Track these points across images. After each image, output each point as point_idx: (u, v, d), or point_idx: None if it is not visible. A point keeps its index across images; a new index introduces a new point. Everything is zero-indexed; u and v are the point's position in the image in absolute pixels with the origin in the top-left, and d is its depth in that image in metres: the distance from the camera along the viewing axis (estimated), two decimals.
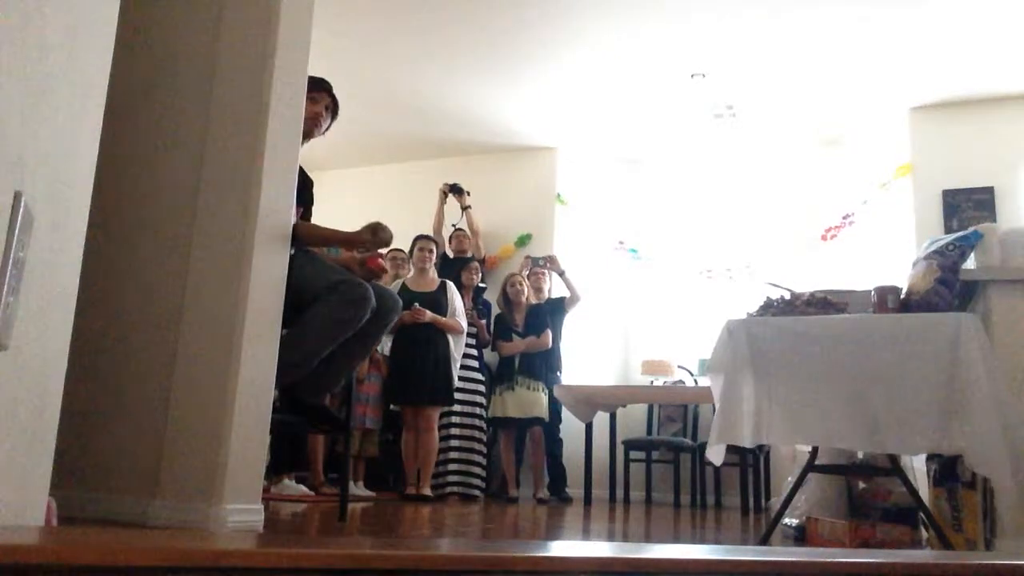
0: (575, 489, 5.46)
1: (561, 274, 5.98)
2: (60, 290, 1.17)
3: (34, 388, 1.09)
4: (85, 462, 2.40)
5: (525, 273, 5.90)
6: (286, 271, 2.62)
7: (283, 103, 2.61)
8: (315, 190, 3.21)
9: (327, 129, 3.12)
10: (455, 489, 5.18)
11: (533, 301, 5.72)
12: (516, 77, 5.63)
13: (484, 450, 5.41)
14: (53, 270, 1.12)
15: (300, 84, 2.74)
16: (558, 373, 5.73)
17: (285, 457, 4.68)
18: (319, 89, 3.00)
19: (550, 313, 5.76)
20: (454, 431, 5.27)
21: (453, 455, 5.24)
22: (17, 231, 0.91)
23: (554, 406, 5.51)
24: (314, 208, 3.19)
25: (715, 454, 2.79)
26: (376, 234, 2.84)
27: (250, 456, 2.42)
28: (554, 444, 5.59)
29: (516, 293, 5.55)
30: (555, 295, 6.01)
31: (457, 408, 5.21)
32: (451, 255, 6.20)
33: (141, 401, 2.44)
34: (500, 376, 5.47)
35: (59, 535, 0.92)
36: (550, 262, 6.00)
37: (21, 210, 0.92)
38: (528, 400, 5.32)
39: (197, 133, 2.59)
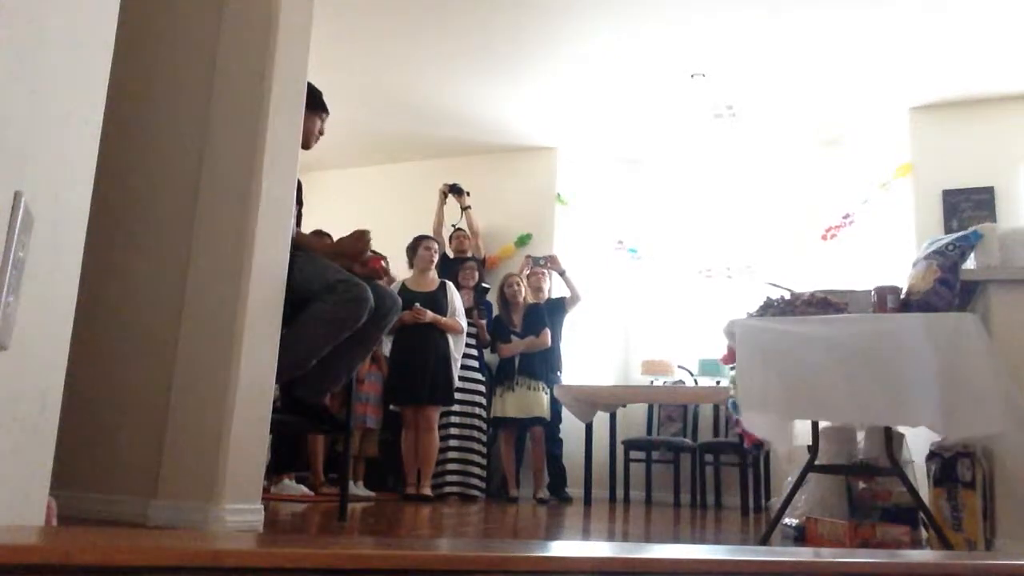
0: (575, 489, 5.47)
1: (562, 273, 5.98)
2: (60, 290, 1.17)
3: (34, 388, 1.09)
4: (85, 462, 2.40)
5: (525, 273, 5.90)
6: (286, 271, 2.63)
7: (283, 103, 2.61)
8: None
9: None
10: (454, 489, 5.18)
11: (532, 301, 5.72)
12: (516, 77, 5.63)
13: (484, 450, 5.40)
14: (53, 270, 1.12)
15: (300, 84, 2.74)
16: (558, 373, 5.73)
17: (285, 457, 4.68)
18: (323, 108, 3.05)
19: (550, 313, 5.75)
20: (453, 431, 5.27)
21: (452, 455, 5.24)
22: (17, 231, 0.91)
23: (554, 406, 5.52)
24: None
25: (765, 429, 2.75)
26: (360, 242, 2.95)
27: (250, 456, 2.42)
28: (554, 444, 5.59)
29: (513, 294, 5.55)
30: (556, 295, 6.01)
31: (456, 408, 5.20)
32: (451, 255, 6.20)
33: (141, 401, 2.44)
34: (500, 376, 5.47)
35: (59, 535, 0.92)
36: (551, 261, 6.00)
37: (21, 210, 0.92)
38: (528, 400, 5.32)
39: (197, 133, 2.59)
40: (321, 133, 3.13)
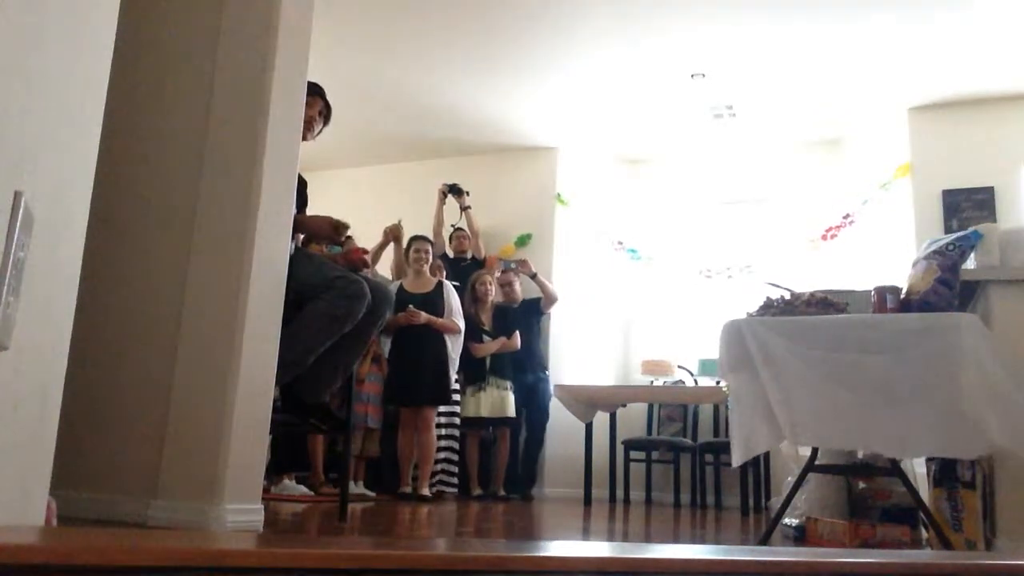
0: (575, 489, 5.47)
1: (533, 277, 5.98)
2: (60, 290, 1.17)
3: (34, 388, 1.09)
4: (85, 462, 2.40)
5: (496, 275, 5.94)
6: (286, 271, 2.63)
7: (283, 103, 2.61)
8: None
9: (319, 133, 3.15)
10: (436, 489, 5.15)
11: (506, 302, 5.79)
12: (516, 77, 5.63)
13: (458, 447, 5.41)
14: (53, 270, 1.12)
15: (300, 85, 2.74)
16: (546, 372, 5.84)
17: (285, 457, 4.68)
18: (313, 94, 3.02)
19: (527, 314, 5.84)
20: (443, 431, 5.26)
21: (441, 455, 5.22)
22: (17, 231, 0.91)
23: (542, 404, 5.59)
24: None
25: (738, 459, 2.74)
26: (337, 230, 2.95)
27: (250, 456, 2.42)
28: (536, 445, 5.68)
29: (485, 292, 5.56)
30: (534, 296, 6.05)
31: (443, 408, 5.20)
32: (451, 255, 6.21)
33: (141, 401, 2.44)
34: (471, 376, 5.46)
35: (59, 535, 0.92)
36: (521, 266, 6.01)
37: (21, 210, 0.92)
38: (499, 400, 5.36)
39: (197, 133, 2.59)
40: (326, 121, 3.13)
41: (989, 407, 2.26)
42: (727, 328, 2.72)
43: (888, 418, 2.38)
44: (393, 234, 5.67)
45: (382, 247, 5.74)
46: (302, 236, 3.09)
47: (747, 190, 6.60)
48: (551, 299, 5.97)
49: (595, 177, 6.84)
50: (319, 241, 3.32)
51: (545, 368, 5.91)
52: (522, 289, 5.99)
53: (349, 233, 3.07)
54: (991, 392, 2.28)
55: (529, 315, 5.89)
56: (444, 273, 5.60)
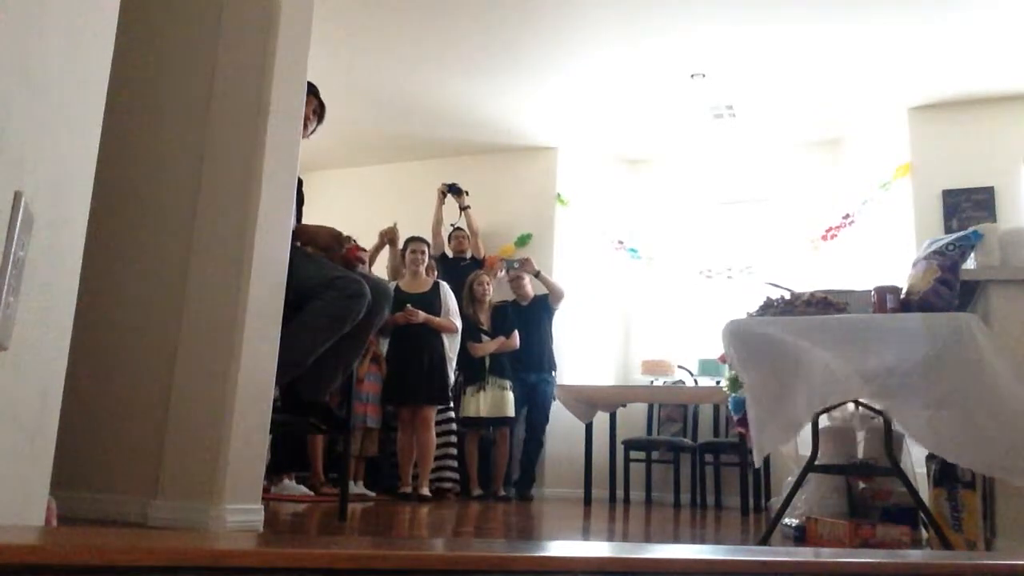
0: (575, 489, 5.47)
1: (536, 275, 5.98)
2: (60, 290, 1.17)
3: (34, 388, 1.09)
4: (85, 462, 2.40)
5: (500, 276, 5.94)
6: (286, 271, 2.63)
7: (283, 103, 2.61)
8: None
9: (312, 132, 3.14)
10: (436, 487, 5.15)
11: (523, 302, 5.78)
12: (517, 77, 5.63)
13: (456, 447, 5.40)
14: (53, 270, 1.12)
15: (300, 84, 2.74)
16: (553, 372, 5.82)
17: (285, 457, 4.68)
18: (307, 93, 3.02)
19: (537, 312, 5.84)
20: (439, 429, 5.25)
21: (439, 453, 5.21)
22: (17, 231, 0.91)
23: (543, 404, 5.60)
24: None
25: (758, 458, 2.75)
26: (339, 240, 2.96)
27: (250, 456, 2.42)
28: (536, 446, 5.67)
29: (483, 292, 5.57)
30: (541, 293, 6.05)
31: (439, 408, 5.19)
32: (451, 255, 6.21)
33: (141, 401, 2.44)
34: (470, 376, 5.46)
35: (59, 535, 0.92)
36: (523, 264, 6.01)
37: (21, 210, 0.92)
38: (499, 400, 5.36)
39: (197, 133, 2.59)
40: (320, 120, 3.13)
41: (992, 418, 2.25)
42: (728, 329, 2.72)
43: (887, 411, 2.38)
44: (388, 236, 5.67)
45: (377, 249, 5.74)
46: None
47: (747, 190, 6.60)
48: (557, 295, 5.96)
49: (595, 177, 6.84)
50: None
51: (553, 369, 5.84)
52: (532, 288, 5.99)
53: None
54: (992, 395, 2.28)
55: (540, 312, 5.87)
56: (436, 273, 5.60)
